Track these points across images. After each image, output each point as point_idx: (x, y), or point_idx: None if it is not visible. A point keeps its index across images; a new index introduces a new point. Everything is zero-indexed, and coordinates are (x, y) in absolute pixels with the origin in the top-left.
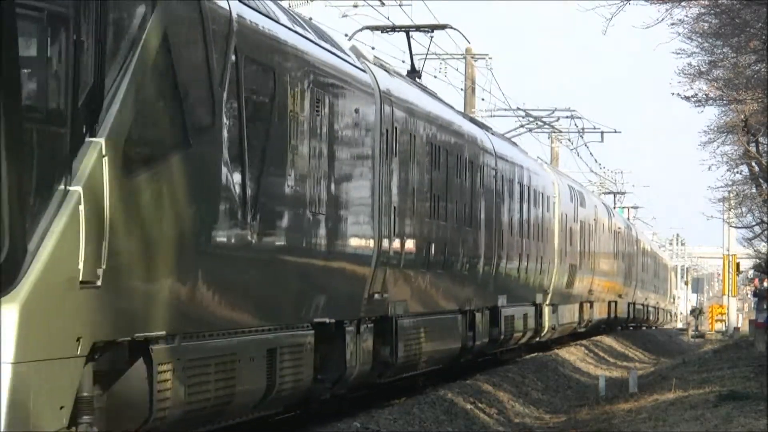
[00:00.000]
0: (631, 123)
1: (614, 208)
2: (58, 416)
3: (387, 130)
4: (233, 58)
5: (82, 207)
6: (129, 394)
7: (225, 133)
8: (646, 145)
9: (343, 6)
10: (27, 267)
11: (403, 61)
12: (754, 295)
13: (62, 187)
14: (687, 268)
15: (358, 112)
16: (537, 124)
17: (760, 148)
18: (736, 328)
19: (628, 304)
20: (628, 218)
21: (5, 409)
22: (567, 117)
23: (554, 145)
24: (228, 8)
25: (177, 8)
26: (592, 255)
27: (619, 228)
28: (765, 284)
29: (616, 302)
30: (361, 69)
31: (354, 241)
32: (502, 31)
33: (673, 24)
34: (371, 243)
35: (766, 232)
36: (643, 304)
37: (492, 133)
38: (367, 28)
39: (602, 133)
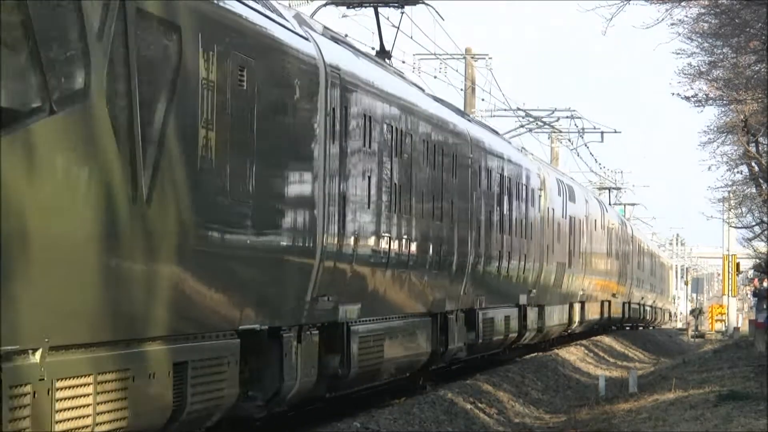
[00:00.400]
0: (631, 123)
1: (610, 205)
2: None
3: (334, 110)
4: (118, 6)
5: None
6: None
7: (104, 100)
8: (646, 145)
9: (343, 6)
10: None
11: (403, 62)
12: (754, 294)
13: None
14: (687, 268)
15: (297, 87)
16: (537, 124)
17: (760, 148)
18: (736, 328)
19: (624, 303)
20: (625, 215)
21: None
22: (567, 117)
23: (554, 145)
24: None
25: None
26: (583, 253)
27: (613, 225)
28: (765, 284)
29: (609, 302)
30: (302, 37)
31: (291, 234)
32: (502, 31)
33: (673, 24)
34: (314, 237)
35: (765, 232)
36: (639, 304)
37: (470, 120)
38: (332, 3)
39: (602, 133)
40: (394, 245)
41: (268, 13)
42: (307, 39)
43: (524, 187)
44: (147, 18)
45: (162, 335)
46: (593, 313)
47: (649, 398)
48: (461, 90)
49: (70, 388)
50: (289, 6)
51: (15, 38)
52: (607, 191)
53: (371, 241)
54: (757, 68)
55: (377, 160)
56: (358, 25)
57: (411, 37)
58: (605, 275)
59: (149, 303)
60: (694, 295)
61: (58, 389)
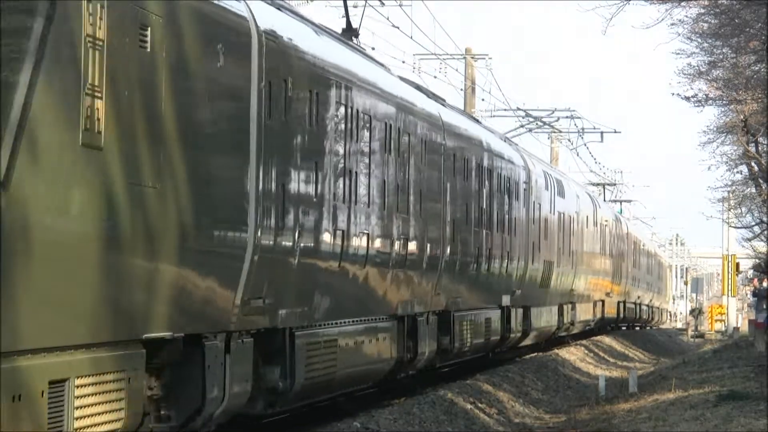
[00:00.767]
0: (631, 123)
1: (605, 201)
2: None
3: (270, 84)
4: None
5: None
6: None
7: None
8: (646, 145)
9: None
10: None
11: (403, 62)
12: (754, 294)
13: None
14: (686, 268)
15: (221, 54)
16: (537, 124)
17: (760, 148)
18: (736, 328)
19: (618, 302)
20: (622, 212)
21: None
22: (567, 117)
23: (554, 145)
24: None
25: None
26: (574, 251)
27: (607, 221)
28: (765, 284)
29: (603, 301)
30: None
31: (213, 226)
32: (502, 31)
33: (672, 24)
34: (245, 229)
35: (765, 232)
36: (635, 303)
37: (444, 104)
38: None
39: (602, 133)
40: (349, 240)
41: None
42: None
43: (508, 180)
44: None
45: (33, 347)
46: (585, 313)
47: (649, 398)
48: (461, 90)
49: None
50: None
51: None
52: (602, 188)
53: (320, 235)
54: (756, 68)
55: (327, 144)
56: (387, 43)
57: (411, 37)
58: (598, 274)
59: (17, 307)
60: (694, 295)
61: None
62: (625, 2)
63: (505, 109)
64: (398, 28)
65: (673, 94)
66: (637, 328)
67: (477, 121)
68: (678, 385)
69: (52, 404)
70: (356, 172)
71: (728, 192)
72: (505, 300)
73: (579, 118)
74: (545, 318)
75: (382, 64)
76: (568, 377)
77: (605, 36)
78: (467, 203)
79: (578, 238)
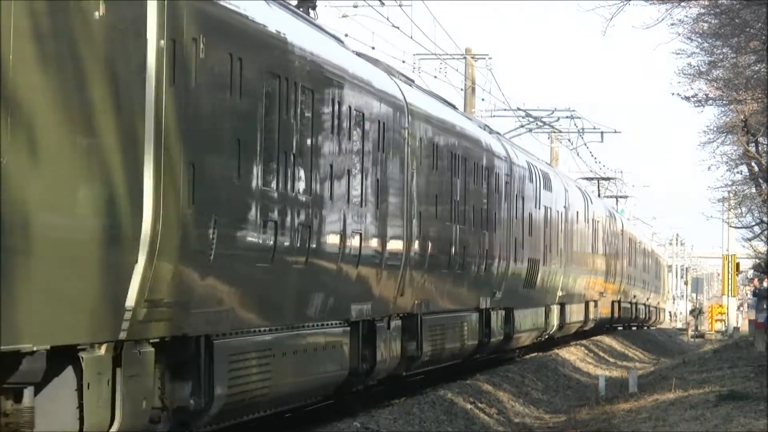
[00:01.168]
0: (631, 123)
1: (599, 197)
2: None
3: (174, 42)
4: None
5: None
6: None
7: None
8: (646, 145)
9: (343, 6)
10: None
11: (403, 61)
12: (754, 294)
13: None
14: (687, 268)
15: (102, 2)
16: (537, 124)
17: (760, 148)
18: (736, 328)
19: (613, 302)
20: (623, 212)
21: None
22: (567, 117)
23: (554, 145)
24: None
25: None
26: (562, 248)
27: (599, 217)
28: (765, 284)
29: (596, 301)
30: None
31: (91, 212)
32: (502, 31)
33: (672, 24)
34: (137, 216)
35: (765, 232)
36: (631, 303)
37: (411, 85)
38: None
39: (602, 133)
40: (284, 233)
41: None
42: None
43: (485, 170)
44: None
45: None
46: (577, 314)
47: (649, 398)
48: (461, 90)
49: None
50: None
51: None
52: (597, 183)
53: (245, 225)
54: (756, 68)
55: (256, 120)
56: (359, 25)
57: (411, 37)
58: (590, 273)
59: None
60: (694, 295)
61: None
62: (625, 2)
63: (505, 109)
64: (398, 28)
65: (673, 94)
66: (634, 329)
67: (452, 106)
68: (678, 385)
69: None
70: (293, 155)
71: (728, 192)
72: (484, 302)
73: (579, 118)
74: (531, 320)
75: (335, 37)
76: (568, 377)
77: (605, 36)
78: (437, 195)
79: (568, 235)
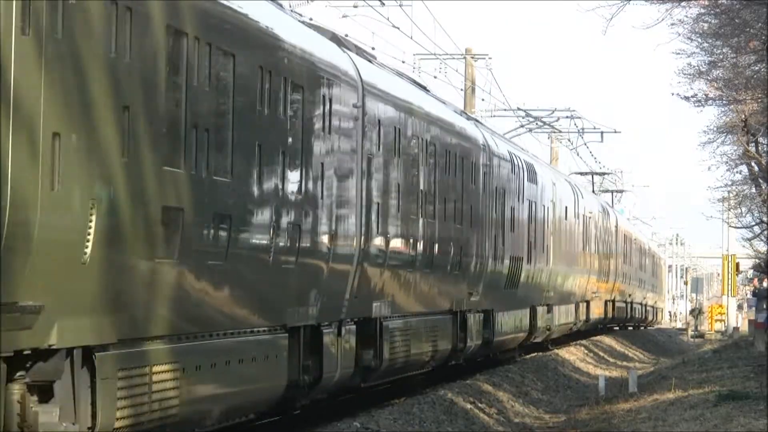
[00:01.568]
0: (631, 123)
1: (593, 192)
2: None
3: None
4: None
5: None
6: None
7: None
8: (646, 145)
9: (343, 6)
10: None
11: (403, 62)
12: (754, 294)
13: None
14: (686, 268)
15: None
16: (537, 124)
17: (760, 148)
18: (736, 328)
19: (606, 302)
20: (622, 211)
21: None
22: (567, 117)
23: (554, 145)
24: None
25: None
26: (549, 245)
27: (591, 213)
28: (765, 284)
29: (588, 301)
30: None
31: None
32: (502, 31)
33: (673, 24)
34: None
35: (765, 232)
36: (626, 302)
37: (372, 61)
38: None
39: (602, 133)
40: (190, 225)
41: None
42: None
43: (459, 159)
44: None
45: None
46: (566, 316)
47: (649, 398)
48: (461, 90)
49: None
50: (290, 7)
51: None
52: (590, 177)
53: (134, 214)
54: (756, 68)
55: (151, 83)
56: (359, 25)
57: (411, 37)
58: (581, 271)
59: None
60: (694, 295)
61: None
62: (625, 2)
63: (505, 109)
64: (398, 28)
65: (673, 94)
66: (631, 329)
67: (424, 88)
68: (678, 385)
69: None
70: (206, 129)
71: (728, 192)
72: (459, 303)
73: (579, 117)
74: (513, 323)
75: (280, 5)
76: (568, 377)
77: (605, 36)
78: (399, 184)
79: (555, 231)
